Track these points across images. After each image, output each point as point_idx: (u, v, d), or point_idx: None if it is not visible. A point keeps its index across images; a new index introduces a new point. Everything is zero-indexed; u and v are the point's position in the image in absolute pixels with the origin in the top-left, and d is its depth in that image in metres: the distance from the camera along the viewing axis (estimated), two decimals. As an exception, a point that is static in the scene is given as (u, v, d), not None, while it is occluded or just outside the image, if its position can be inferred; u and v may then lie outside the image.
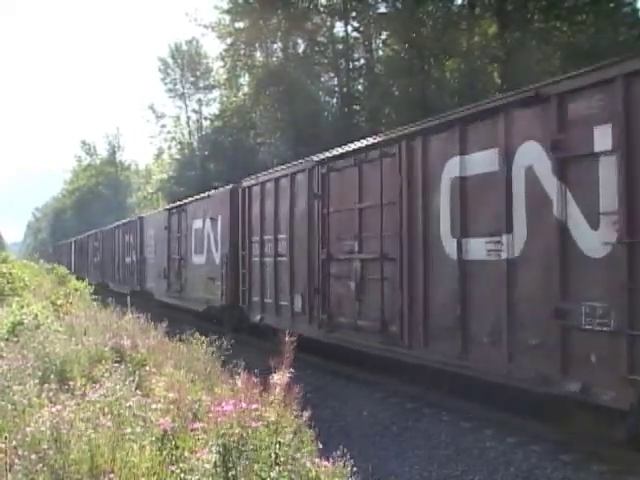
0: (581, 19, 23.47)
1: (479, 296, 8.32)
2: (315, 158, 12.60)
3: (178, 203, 22.70)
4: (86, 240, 47.86)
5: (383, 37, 30.67)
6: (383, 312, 10.43)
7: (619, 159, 6.51)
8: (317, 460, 4.52)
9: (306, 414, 4.95)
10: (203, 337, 9.35)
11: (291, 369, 5.16)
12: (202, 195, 20.04)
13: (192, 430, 4.73)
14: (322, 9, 32.05)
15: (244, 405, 4.53)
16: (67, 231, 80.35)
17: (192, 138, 51.44)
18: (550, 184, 7.30)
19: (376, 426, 9.21)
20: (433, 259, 9.31)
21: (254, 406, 4.58)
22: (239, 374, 5.79)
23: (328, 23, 32.39)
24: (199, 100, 52.11)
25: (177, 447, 4.62)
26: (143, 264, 27.04)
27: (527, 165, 7.66)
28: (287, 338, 5.17)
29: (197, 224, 19.65)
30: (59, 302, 13.72)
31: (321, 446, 4.90)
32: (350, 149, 11.64)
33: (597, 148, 6.75)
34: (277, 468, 4.18)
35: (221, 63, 39.27)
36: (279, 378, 5.05)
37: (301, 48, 33.81)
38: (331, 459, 4.53)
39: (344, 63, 31.79)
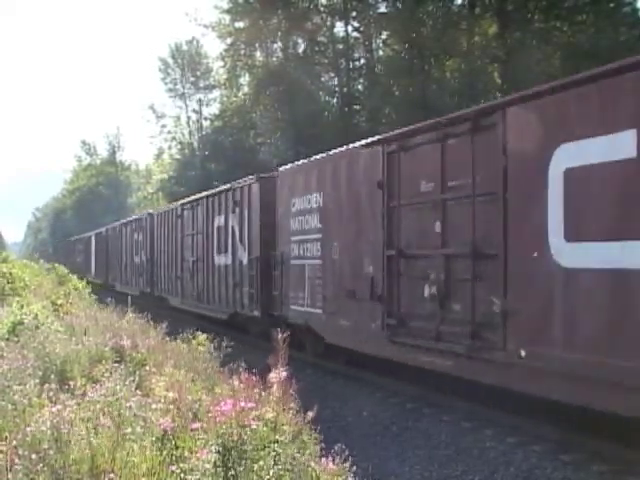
0: (581, 19, 23.49)
1: None
2: None
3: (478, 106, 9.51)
4: (118, 231, 33.51)
5: (383, 37, 30.70)
6: None
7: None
8: (318, 460, 4.53)
9: (308, 413, 4.96)
10: (204, 337, 9.38)
11: (287, 366, 5.16)
12: None
13: (192, 430, 4.73)
14: (322, 9, 32.06)
15: (242, 404, 4.54)
16: (67, 231, 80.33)
17: (192, 138, 51.46)
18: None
19: (376, 426, 9.21)
20: None
21: (250, 404, 4.59)
22: (239, 373, 5.80)
23: (328, 23, 32.40)
24: (199, 100, 52.17)
25: (177, 447, 4.62)
26: (280, 269, 13.75)
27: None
28: (279, 335, 5.18)
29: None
30: (59, 302, 13.73)
31: (322, 445, 4.91)
32: None
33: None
34: (276, 467, 4.19)
35: (221, 63, 39.32)
36: (275, 376, 5.05)
37: (301, 48, 33.84)
38: (332, 459, 4.53)
39: (344, 63, 31.78)
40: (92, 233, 44.01)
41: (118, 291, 30.39)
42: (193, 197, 20.71)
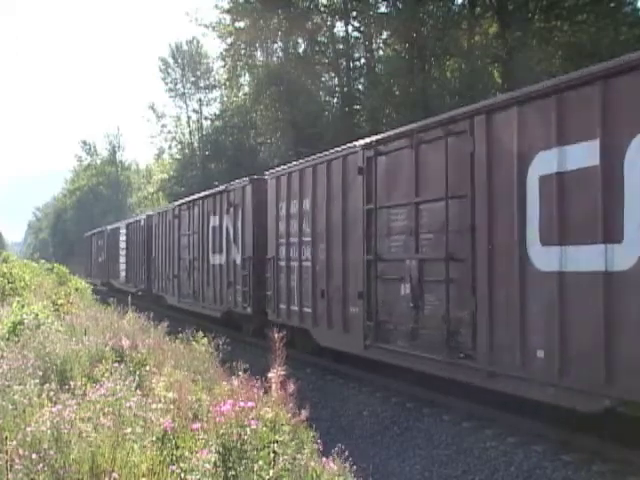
0: (582, 19, 23.48)
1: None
2: None
3: None
4: (172, 217, 22.79)
5: (384, 37, 30.66)
6: None
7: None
8: (318, 459, 4.53)
9: (302, 413, 4.95)
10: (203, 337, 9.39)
11: (284, 366, 5.15)
12: None
13: (192, 430, 4.73)
14: (323, 9, 32.02)
15: (242, 404, 4.54)
16: (68, 231, 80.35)
17: (193, 138, 51.45)
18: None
19: (377, 426, 9.21)
20: None
21: (250, 404, 4.59)
22: (238, 374, 5.80)
23: (329, 23, 32.36)
24: (199, 100, 52.16)
25: (177, 447, 4.62)
26: None
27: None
28: (276, 334, 5.17)
29: None
30: (60, 302, 13.71)
31: (321, 443, 4.91)
32: None
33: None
34: (276, 467, 4.19)
35: (221, 63, 39.20)
36: (274, 376, 5.05)
37: (301, 48, 33.81)
38: (332, 459, 4.53)
39: (344, 63, 31.76)
40: (121, 223, 33.88)
41: (175, 307, 22.00)
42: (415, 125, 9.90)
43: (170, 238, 23.06)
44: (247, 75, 37.39)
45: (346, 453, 4.61)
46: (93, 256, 42.75)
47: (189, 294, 20.31)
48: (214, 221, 18.15)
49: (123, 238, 31.67)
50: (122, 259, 31.65)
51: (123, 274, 31.18)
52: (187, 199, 21.55)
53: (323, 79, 33.53)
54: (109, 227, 37.72)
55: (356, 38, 31.94)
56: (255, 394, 5.00)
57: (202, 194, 19.85)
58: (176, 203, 22.72)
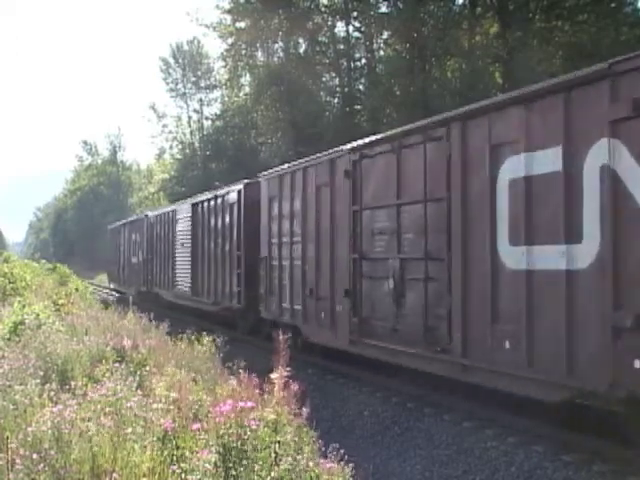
0: (582, 19, 23.50)
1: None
2: None
3: None
4: (329, 176, 11.86)
5: (384, 37, 30.67)
6: None
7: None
8: (318, 460, 4.53)
9: (305, 411, 4.95)
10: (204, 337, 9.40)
11: (288, 367, 5.15)
12: None
13: (193, 430, 4.74)
14: (323, 9, 32.05)
15: (242, 405, 4.55)
16: (68, 231, 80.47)
17: (193, 138, 51.50)
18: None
19: (377, 426, 9.22)
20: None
21: (250, 404, 4.59)
22: (239, 374, 5.80)
23: (329, 23, 32.38)
24: (200, 100, 52.25)
25: (178, 447, 4.63)
26: None
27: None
28: (281, 336, 5.17)
29: None
30: (60, 302, 13.71)
31: (321, 442, 4.91)
32: None
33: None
34: (277, 468, 4.19)
35: (222, 63, 39.28)
36: (277, 377, 5.05)
37: (302, 48, 33.85)
38: (333, 460, 4.54)
39: (345, 63, 31.79)
40: (179, 205, 23.31)
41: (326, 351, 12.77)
42: None
43: (320, 220, 12.40)
44: (248, 75, 37.48)
45: (346, 455, 4.61)
46: (123, 255, 31.52)
47: (400, 334, 9.80)
48: (537, 163, 7.47)
49: (185, 227, 21.26)
50: (182, 259, 21.37)
51: (186, 282, 20.80)
52: (390, 133, 10.73)
53: (324, 79, 33.56)
54: (151, 213, 27.19)
55: (357, 38, 31.98)
56: (257, 394, 5.01)
57: (463, 110, 9.08)
58: (345, 148, 11.62)
